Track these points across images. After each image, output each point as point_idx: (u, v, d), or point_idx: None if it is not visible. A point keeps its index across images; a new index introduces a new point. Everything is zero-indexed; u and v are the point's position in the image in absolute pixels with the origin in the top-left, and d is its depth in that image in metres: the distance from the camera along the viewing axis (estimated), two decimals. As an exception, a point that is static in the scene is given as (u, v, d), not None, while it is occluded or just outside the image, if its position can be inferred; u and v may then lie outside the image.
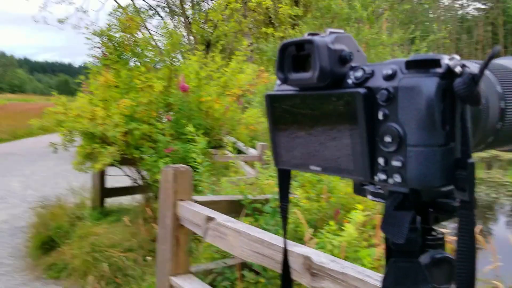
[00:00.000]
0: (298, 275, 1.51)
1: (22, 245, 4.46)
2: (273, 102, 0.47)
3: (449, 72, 0.37)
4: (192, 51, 6.15)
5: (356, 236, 2.28)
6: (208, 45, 8.27)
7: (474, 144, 0.49)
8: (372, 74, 0.40)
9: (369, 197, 0.51)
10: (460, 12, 40.85)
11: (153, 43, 8.09)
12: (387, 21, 8.00)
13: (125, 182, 4.81)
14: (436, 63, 0.38)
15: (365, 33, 6.84)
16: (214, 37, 8.29)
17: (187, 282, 2.19)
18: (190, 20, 9.17)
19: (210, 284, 2.32)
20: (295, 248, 1.54)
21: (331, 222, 2.35)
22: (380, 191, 0.50)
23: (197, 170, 3.02)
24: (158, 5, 15.42)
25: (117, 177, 4.73)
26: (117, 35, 4.41)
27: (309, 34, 0.43)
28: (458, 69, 0.37)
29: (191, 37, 8.92)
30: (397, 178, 0.38)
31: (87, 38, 5.10)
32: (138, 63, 4.47)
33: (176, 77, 4.25)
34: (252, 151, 4.90)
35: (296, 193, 2.66)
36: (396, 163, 0.38)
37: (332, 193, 2.92)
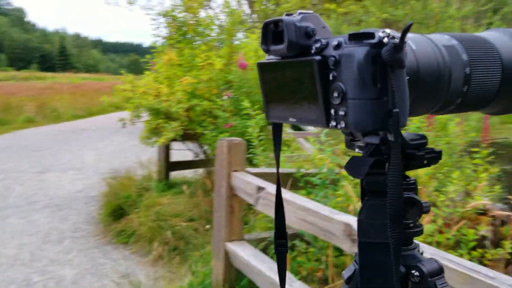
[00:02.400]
0: (339, 241, 1.59)
1: (95, 212, 4.83)
2: (261, 69, 0.59)
3: (380, 43, 0.47)
4: (251, 29, 6.24)
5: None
6: (270, 23, 8.31)
7: (442, 105, 0.59)
8: (326, 45, 0.51)
9: (356, 150, 0.62)
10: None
11: (216, 21, 8.25)
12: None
13: (188, 156, 5.05)
14: (371, 35, 0.48)
15: (431, 7, 6.59)
16: (276, 14, 8.31)
17: (240, 248, 2.34)
18: (253, -2, 9.23)
19: (262, 251, 2.45)
20: (336, 215, 1.62)
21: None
22: (363, 144, 0.60)
23: (253, 144, 3.14)
24: (223, -16, 15.61)
25: (181, 152, 4.98)
26: (180, 15, 4.58)
27: (285, 15, 0.54)
28: (385, 40, 0.47)
29: (254, 15, 9.00)
30: (342, 124, 0.49)
31: (153, 19, 5.37)
32: (200, 42, 4.64)
33: (236, 55, 4.37)
34: (311, 128, 4.96)
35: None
36: (341, 112, 0.49)
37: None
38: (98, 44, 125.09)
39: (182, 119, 4.03)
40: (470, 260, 2.78)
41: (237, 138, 2.38)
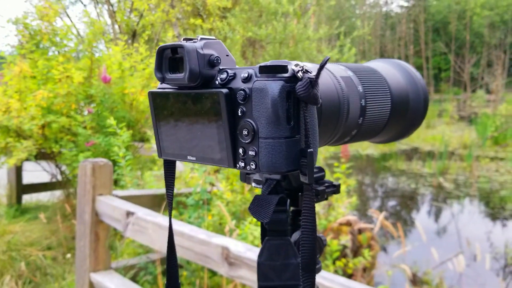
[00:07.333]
0: (216, 265, 1.53)
1: None
2: (154, 99, 0.51)
3: (293, 77, 0.43)
4: (115, 41, 5.96)
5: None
6: (134, 35, 8.05)
7: (339, 136, 0.57)
8: (234, 76, 0.45)
9: (253, 184, 0.57)
10: (384, 9, 42.66)
11: (75, 31, 7.73)
12: (314, 16, 8.18)
13: (44, 177, 4.60)
14: (284, 69, 0.43)
15: (291, 28, 6.96)
16: (140, 27, 8.08)
17: (107, 278, 2.15)
18: (115, 9, 8.86)
19: (132, 279, 2.28)
20: (213, 239, 1.55)
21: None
22: (260, 178, 0.55)
23: (120, 164, 2.95)
24: (81, -8, 14.75)
25: (35, 173, 4.52)
26: (33, 23, 4.17)
27: (184, 39, 0.48)
28: (299, 74, 0.43)
29: (116, 26, 8.64)
30: (252, 165, 0.44)
31: (1, 27, 4.84)
32: (57, 53, 4.27)
33: (98, 68, 4.10)
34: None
35: (220, 186, 2.68)
36: (251, 152, 0.44)
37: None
38: None
39: (36, 137, 3.65)
40: (335, 270, 2.92)
41: (103, 159, 2.19)
